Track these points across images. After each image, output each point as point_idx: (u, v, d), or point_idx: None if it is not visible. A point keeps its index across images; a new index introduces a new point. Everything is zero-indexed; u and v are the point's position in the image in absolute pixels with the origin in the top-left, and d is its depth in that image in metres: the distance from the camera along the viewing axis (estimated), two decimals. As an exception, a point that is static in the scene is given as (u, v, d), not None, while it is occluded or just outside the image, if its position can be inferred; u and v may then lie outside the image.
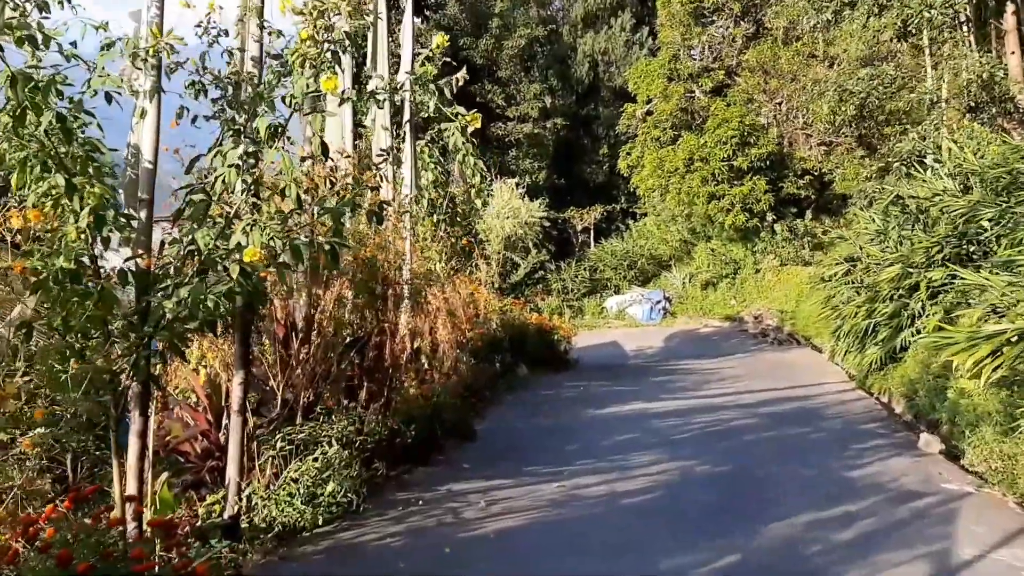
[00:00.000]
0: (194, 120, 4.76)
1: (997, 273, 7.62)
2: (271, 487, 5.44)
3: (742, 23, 24.87)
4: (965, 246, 9.28)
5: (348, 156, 6.67)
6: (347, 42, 4.75)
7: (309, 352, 6.33)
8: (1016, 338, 6.27)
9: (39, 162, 3.63)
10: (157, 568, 3.54)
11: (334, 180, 5.07)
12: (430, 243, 9.82)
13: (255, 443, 5.56)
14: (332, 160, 5.21)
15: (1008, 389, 6.61)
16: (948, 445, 6.97)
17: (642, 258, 26.59)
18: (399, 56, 10.19)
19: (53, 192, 3.72)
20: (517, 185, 25.11)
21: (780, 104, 23.80)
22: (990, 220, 8.83)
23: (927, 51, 15.19)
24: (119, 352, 3.98)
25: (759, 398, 10.15)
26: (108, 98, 3.97)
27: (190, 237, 4.25)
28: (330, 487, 5.51)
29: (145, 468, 4.29)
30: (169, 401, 6.00)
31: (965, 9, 13.71)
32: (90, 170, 3.80)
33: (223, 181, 4.39)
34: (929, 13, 13.06)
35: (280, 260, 4.33)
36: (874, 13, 14.52)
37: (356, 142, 9.38)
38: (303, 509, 5.30)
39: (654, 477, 6.63)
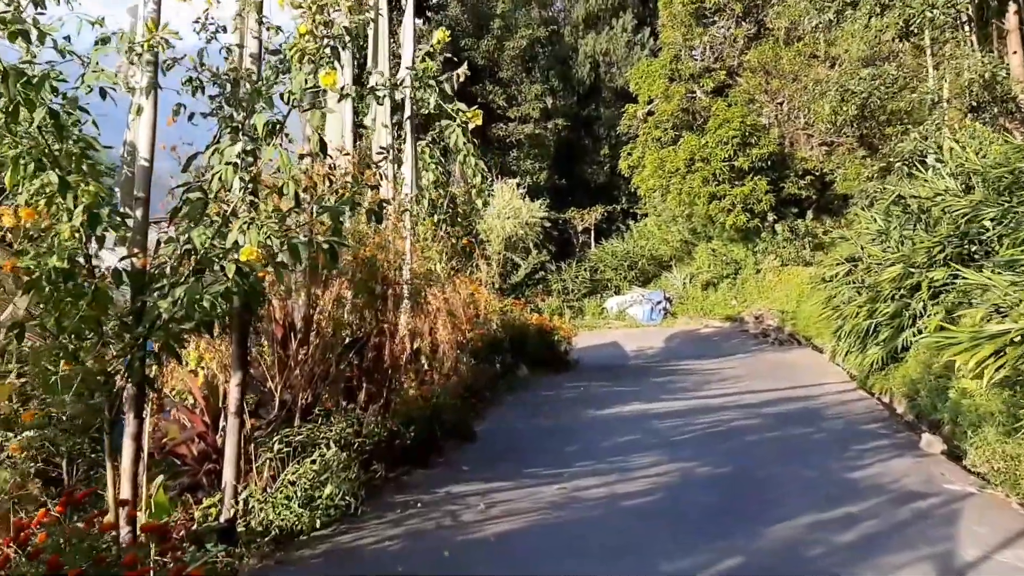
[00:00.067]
0: (191, 117, 4.72)
1: (1000, 273, 7.58)
2: (268, 490, 5.39)
3: (743, 23, 24.84)
4: (967, 246, 9.24)
5: (347, 154, 6.62)
6: (346, 38, 4.71)
7: (308, 353, 6.29)
8: (1020, 338, 6.23)
9: (33, 159, 3.59)
10: (151, 573, 3.50)
11: (333, 178, 5.02)
12: (430, 243, 9.78)
13: (252, 445, 5.51)
14: (331, 158, 5.16)
15: (1011, 389, 6.56)
16: (950, 446, 6.93)
17: (643, 258, 26.57)
18: (400, 57, 10.16)
19: (46, 190, 3.67)
20: (518, 185, 25.11)
21: (781, 104, 23.78)
22: (992, 220, 8.79)
23: (929, 51, 15.15)
24: (114, 353, 3.93)
25: (760, 399, 10.11)
26: (103, 94, 3.92)
27: (186, 236, 4.20)
28: (328, 490, 5.46)
29: (140, 471, 4.24)
30: (165, 403, 5.95)
31: (967, 9, 13.67)
32: (84, 168, 3.75)
33: (220, 179, 4.35)
34: (931, 13, 13.02)
35: (278, 259, 4.28)
36: (876, 13, 14.47)
37: (357, 142, 9.35)
38: (300, 512, 5.25)
39: (654, 479, 6.59)
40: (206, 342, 5.82)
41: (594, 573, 4.67)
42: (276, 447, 5.53)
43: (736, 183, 22.33)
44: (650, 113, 25.21)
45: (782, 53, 23.11)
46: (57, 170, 3.61)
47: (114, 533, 3.78)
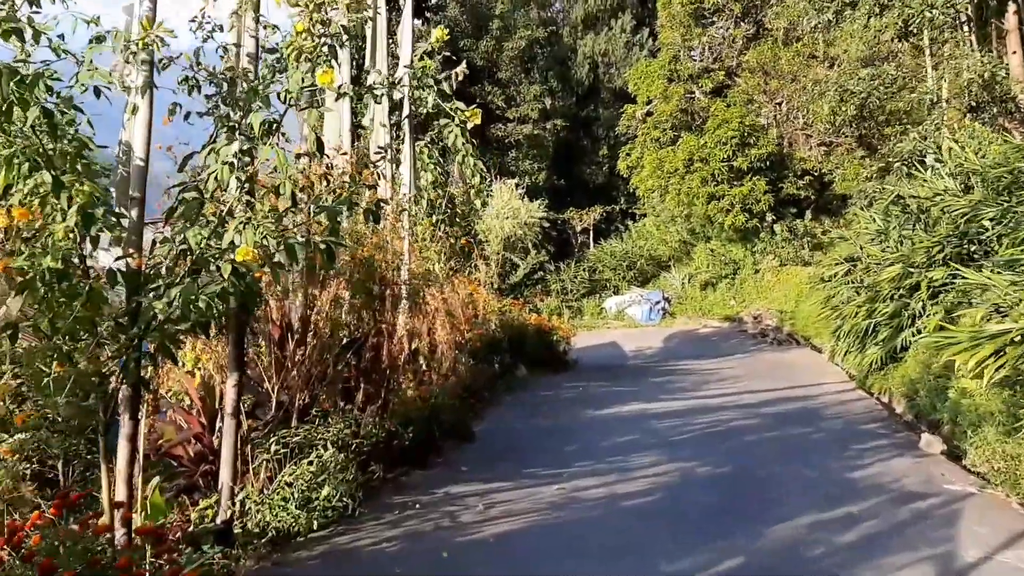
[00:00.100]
0: (187, 117, 4.70)
1: (999, 272, 7.56)
2: (265, 491, 5.36)
3: (742, 24, 24.85)
4: (966, 246, 9.23)
5: (345, 154, 6.60)
6: (344, 36, 4.68)
7: (305, 354, 6.26)
8: (1020, 337, 6.22)
9: (27, 159, 3.56)
10: (147, 575, 3.47)
11: (330, 178, 4.99)
12: (429, 243, 9.76)
13: (249, 446, 5.47)
14: (328, 157, 5.14)
15: (1011, 389, 6.55)
16: (950, 445, 6.91)
17: (641, 259, 26.57)
18: (398, 57, 10.14)
19: (40, 190, 3.64)
20: (517, 186, 25.09)
21: (780, 105, 23.78)
22: (991, 219, 8.78)
23: (928, 51, 15.15)
24: (109, 354, 3.90)
25: (759, 398, 10.09)
26: (97, 92, 3.89)
27: (182, 236, 4.17)
28: (325, 491, 5.43)
29: (135, 473, 4.21)
30: (161, 404, 5.92)
31: (966, 9, 13.68)
32: (79, 167, 3.72)
33: (216, 179, 4.32)
34: (930, 13, 13.02)
35: (275, 260, 4.25)
36: (875, 13, 14.46)
37: (355, 142, 9.32)
38: (298, 514, 5.22)
39: (654, 479, 6.57)
40: (202, 343, 5.79)
41: (594, 574, 4.65)
42: (273, 448, 5.50)
43: (735, 183, 22.33)
44: (649, 113, 25.21)
45: (781, 53, 23.11)
46: (51, 170, 3.58)
47: (109, 535, 3.74)
